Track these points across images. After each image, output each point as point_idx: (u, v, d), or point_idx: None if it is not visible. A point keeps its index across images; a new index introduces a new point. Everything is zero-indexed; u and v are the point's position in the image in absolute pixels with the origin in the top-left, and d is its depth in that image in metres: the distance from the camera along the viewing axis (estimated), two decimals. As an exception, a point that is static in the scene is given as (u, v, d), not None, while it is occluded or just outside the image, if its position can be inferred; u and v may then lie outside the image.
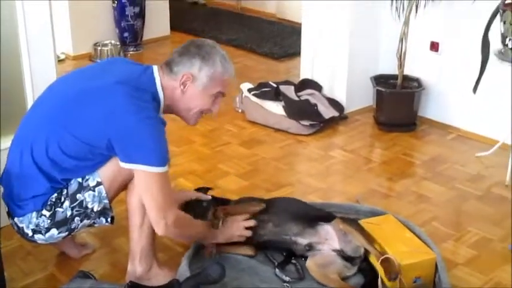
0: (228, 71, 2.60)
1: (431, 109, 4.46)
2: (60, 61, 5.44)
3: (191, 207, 2.79)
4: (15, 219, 2.57)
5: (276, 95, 4.52)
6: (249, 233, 2.80)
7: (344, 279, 2.71)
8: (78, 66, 5.57)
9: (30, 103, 3.11)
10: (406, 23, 4.13)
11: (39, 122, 2.54)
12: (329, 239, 2.77)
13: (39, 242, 2.62)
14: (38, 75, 3.13)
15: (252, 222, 2.80)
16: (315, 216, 2.88)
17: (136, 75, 2.53)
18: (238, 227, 2.79)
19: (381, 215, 2.98)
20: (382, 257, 2.56)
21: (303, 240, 2.79)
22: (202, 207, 2.83)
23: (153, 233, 2.63)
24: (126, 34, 6.01)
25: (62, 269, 2.88)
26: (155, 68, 2.57)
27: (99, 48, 5.84)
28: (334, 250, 2.75)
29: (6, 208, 2.61)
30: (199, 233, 2.71)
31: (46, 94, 2.66)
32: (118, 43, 5.96)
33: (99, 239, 3.10)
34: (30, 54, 3.09)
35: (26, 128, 2.61)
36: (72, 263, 2.92)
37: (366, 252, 2.72)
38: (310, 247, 2.78)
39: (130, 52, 6.05)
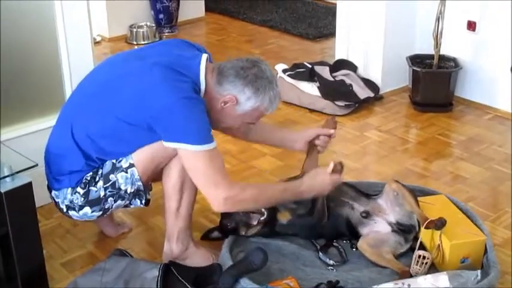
0: (272, 108, 2.56)
1: (468, 89, 4.40)
2: (96, 43, 5.48)
3: None
4: (53, 192, 2.64)
5: (310, 75, 4.50)
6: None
7: (398, 257, 2.69)
8: (114, 48, 5.65)
9: (67, 85, 3.15)
10: (443, 2, 4.08)
11: (82, 100, 2.58)
12: (381, 212, 2.78)
13: (74, 218, 2.65)
14: (75, 58, 3.15)
15: (339, 178, 2.68)
16: (365, 191, 2.90)
17: (182, 61, 2.48)
18: (325, 179, 2.65)
19: (431, 194, 2.97)
20: (428, 221, 2.57)
21: (359, 207, 2.78)
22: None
23: (189, 215, 2.66)
24: (161, 16, 6.03)
25: (99, 247, 2.93)
26: (203, 59, 2.51)
27: (134, 30, 5.87)
28: (389, 223, 2.75)
29: (47, 182, 2.67)
30: (273, 198, 2.61)
31: (91, 74, 2.69)
32: (153, 25, 5.99)
33: (136, 218, 3.14)
34: (67, 36, 3.11)
35: (69, 105, 2.66)
36: (109, 241, 2.97)
37: (419, 227, 2.69)
38: (367, 214, 2.77)
39: (166, 34, 6.06)
